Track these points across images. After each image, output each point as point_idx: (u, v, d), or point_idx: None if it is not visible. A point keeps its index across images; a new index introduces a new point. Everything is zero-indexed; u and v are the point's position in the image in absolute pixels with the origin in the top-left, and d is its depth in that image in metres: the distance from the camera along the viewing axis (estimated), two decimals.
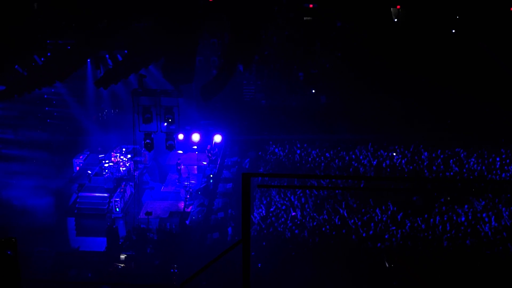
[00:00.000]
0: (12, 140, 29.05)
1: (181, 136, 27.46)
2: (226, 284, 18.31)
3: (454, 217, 21.09)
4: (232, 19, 24.53)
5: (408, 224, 20.65)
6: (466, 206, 21.80)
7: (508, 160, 26.09)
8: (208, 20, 24.69)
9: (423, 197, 22.26)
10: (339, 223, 21.02)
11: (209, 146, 28.99)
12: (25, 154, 28.48)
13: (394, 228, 20.50)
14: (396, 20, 34.15)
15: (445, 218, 21.02)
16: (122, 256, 21.20)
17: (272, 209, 22.27)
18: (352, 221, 21.00)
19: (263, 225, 21.36)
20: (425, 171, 25.69)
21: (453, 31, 32.47)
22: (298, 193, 23.18)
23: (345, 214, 21.42)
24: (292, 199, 22.82)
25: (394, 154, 26.37)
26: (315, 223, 21.07)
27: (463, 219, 21.02)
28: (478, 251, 19.36)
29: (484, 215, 21.09)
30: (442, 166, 25.88)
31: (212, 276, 18.91)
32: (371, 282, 18.38)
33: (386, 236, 20.10)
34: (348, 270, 18.85)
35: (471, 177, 24.82)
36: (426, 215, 21.15)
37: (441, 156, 26.82)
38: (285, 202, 22.70)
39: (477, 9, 30.74)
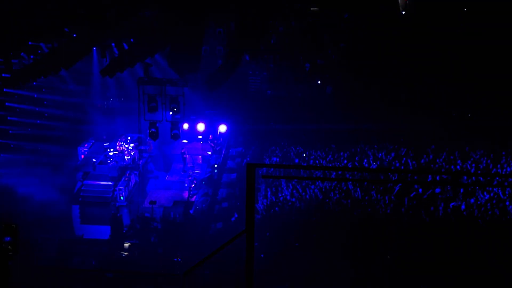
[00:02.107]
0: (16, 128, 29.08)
1: (186, 126, 27.48)
2: (229, 273, 18.37)
3: (457, 211, 21.07)
4: (239, 9, 24.44)
5: (412, 217, 20.64)
6: (472, 200, 21.76)
7: None
8: (214, 9, 24.57)
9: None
10: (343, 214, 21.01)
11: (211, 136, 29.00)
12: (31, 142, 28.51)
13: (395, 219, 20.50)
14: (403, 12, 34.02)
15: (449, 211, 21.00)
16: (126, 245, 21.27)
17: (276, 201, 22.28)
18: (355, 212, 20.99)
19: (267, 216, 21.37)
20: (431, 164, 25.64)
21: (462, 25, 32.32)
22: (303, 183, 23.17)
23: (349, 205, 21.41)
24: (301, 189, 22.80)
25: None
26: (318, 214, 21.07)
27: (464, 210, 21.00)
28: (482, 244, 19.34)
29: (489, 207, 21.04)
30: (446, 159, 25.84)
31: (216, 266, 18.97)
32: (374, 273, 18.39)
33: (390, 228, 20.09)
34: (350, 261, 18.86)
35: (479, 171, 24.74)
36: (432, 208, 21.10)
37: (446, 149, 26.73)
38: (289, 192, 22.70)
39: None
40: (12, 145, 28.42)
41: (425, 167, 25.47)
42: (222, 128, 28.94)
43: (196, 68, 23.75)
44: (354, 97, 32.02)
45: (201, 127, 28.17)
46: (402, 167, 25.51)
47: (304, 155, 26.64)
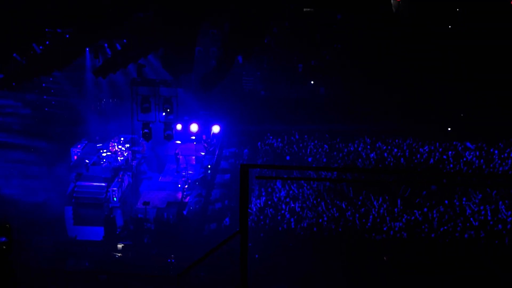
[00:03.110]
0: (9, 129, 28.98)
1: (179, 127, 27.44)
2: (223, 274, 18.35)
3: (450, 211, 21.14)
4: (233, 10, 24.43)
5: (406, 217, 20.68)
6: (464, 199, 21.83)
7: (506, 154, 26.07)
8: (208, 11, 24.57)
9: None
10: (337, 214, 21.04)
11: (204, 136, 28.98)
12: (23, 143, 28.39)
13: (389, 219, 20.54)
14: (395, 12, 34.07)
15: (442, 210, 21.06)
16: (120, 246, 21.22)
17: (270, 202, 22.29)
18: (349, 212, 21.02)
19: (261, 216, 21.38)
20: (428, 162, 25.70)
21: (450, 26, 32.45)
22: (295, 184, 23.17)
23: (343, 206, 21.44)
24: (295, 190, 22.81)
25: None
26: (312, 215, 21.09)
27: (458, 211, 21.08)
28: (474, 244, 19.41)
29: (482, 207, 21.11)
30: (440, 160, 25.91)
31: (210, 267, 18.97)
32: (368, 273, 18.42)
33: (384, 229, 20.14)
34: (345, 261, 18.89)
35: (470, 171, 24.81)
36: (426, 209, 21.14)
37: (440, 149, 26.80)
38: (284, 193, 22.71)
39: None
40: (3, 146, 28.33)
41: (418, 167, 25.54)
42: (216, 129, 28.92)
43: (190, 69, 23.73)
44: (347, 98, 32.08)
45: (194, 127, 28.11)
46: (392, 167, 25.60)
47: (297, 156, 26.62)
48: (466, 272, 18.01)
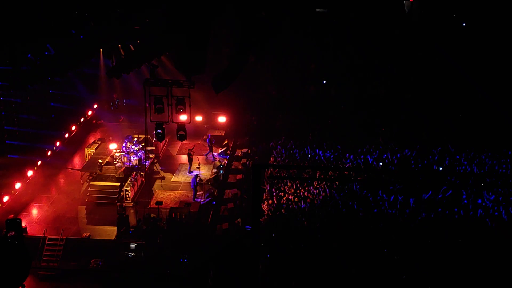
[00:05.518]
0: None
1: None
2: (234, 273, 18.44)
3: (462, 212, 21.11)
4: (245, 10, 24.47)
5: (418, 218, 20.67)
6: (479, 200, 21.77)
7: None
8: (220, 11, 24.65)
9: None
10: (348, 214, 21.06)
11: (209, 135, 29.42)
12: (36, 142, 28.63)
13: (403, 219, 20.52)
14: (408, 12, 33.96)
15: (455, 211, 21.01)
16: (132, 245, 21.38)
17: (282, 202, 22.33)
18: (361, 213, 21.03)
19: (273, 216, 21.43)
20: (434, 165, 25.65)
21: (464, 24, 32.29)
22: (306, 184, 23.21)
23: (355, 206, 21.45)
24: (307, 190, 22.86)
25: None
26: (324, 215, 21.11)
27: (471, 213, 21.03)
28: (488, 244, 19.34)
29: (495, 208, 21.04)
30: (451, 160, 25.86)
31: (221, 266, 19.06)
32: (379, 274, 18.40)
33: (396, 229, 20.13)
34: (357, 262, 18.90)
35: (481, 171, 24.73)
36: (440, 209, 21.09)
37: (452, 150, 26.71)
38: (295, 193, 22.75)
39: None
40: (19, 145, 28.57)
41: (429, 168, 25.48)
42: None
43: (202, 69, 23.77)
44: (358, 98, 32.07)
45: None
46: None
47: (310, 156, 26.62)
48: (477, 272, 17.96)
